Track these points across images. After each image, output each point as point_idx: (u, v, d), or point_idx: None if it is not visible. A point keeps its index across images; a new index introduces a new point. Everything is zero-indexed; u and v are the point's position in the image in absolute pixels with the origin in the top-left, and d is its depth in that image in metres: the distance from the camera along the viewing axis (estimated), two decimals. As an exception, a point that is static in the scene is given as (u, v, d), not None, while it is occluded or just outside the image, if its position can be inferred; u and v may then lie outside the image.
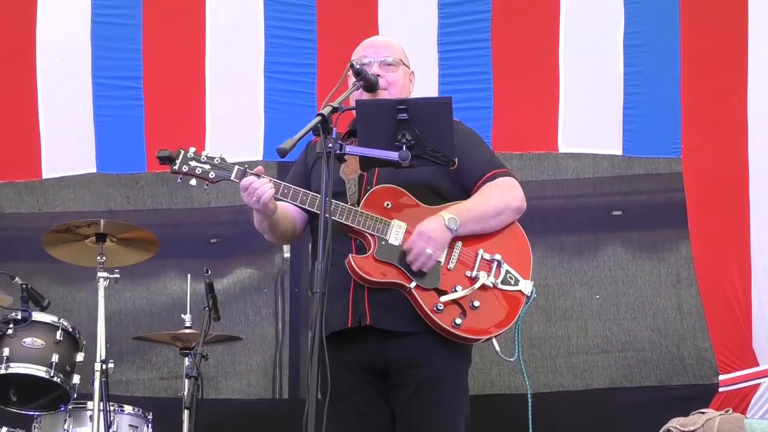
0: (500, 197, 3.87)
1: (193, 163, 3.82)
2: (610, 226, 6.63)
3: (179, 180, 3.85)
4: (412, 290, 3.74)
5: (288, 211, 3.94)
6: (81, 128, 5.98)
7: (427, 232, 3.75)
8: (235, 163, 3.82)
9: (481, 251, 3.82)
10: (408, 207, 3.82)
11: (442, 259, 3.78)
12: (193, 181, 3.83)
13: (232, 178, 3.79)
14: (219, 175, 3.81)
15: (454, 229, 3.77)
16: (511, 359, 3.87)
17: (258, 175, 3.75)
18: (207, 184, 3.84)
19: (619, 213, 6.62)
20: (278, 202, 3.83)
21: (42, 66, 6.02)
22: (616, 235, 6.59)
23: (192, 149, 3.83)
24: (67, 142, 6.03)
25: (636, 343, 6.39)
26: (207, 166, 3.82)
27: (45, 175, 6.06)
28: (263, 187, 3.72)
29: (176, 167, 3.82)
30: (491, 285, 3.80)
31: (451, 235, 3.77)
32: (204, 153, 3.84)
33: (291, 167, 4.13)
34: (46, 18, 6.04)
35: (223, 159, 3.83)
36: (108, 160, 6.02)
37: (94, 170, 6.05)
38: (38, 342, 5.08)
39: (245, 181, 3.74)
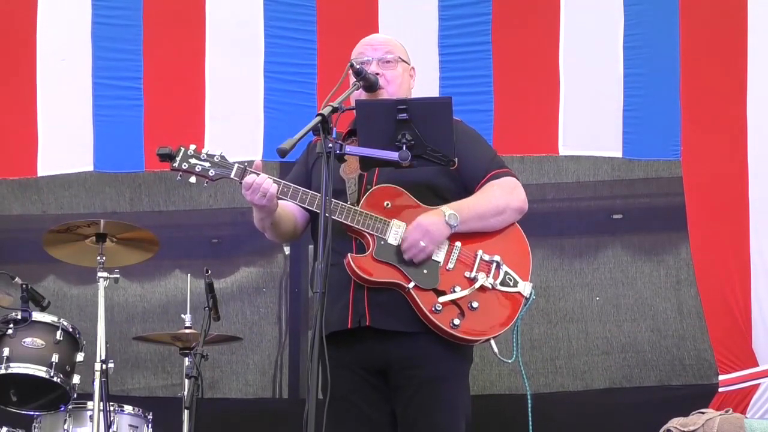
0: (502, 196, 3.86)
1: (193, 161, 3.80)
2: (611, 229, 6.65)
3: (179, 177, 3.83)
4: (411, 290, 3.73)
5: (289, 209, 3.94)
6: (79, 128, 5.96)
7: (425, 225, 3.74)
8: (234, 163, 3.80)
9: (480, 252, 3.81)
10: (408, 207, 3.80)
11: (441, 260, 3.77)
12: (192, 179, 3.81)
13: (232, 176, 3.77)
14: (219, 173, 3.78)
15: (454, 225, 3.76)
16: (509, 361, 3.85)
17: (258, 173, 3.74)
18: (206, 182, 3.82)
19: (620, 216, 6.63)
20: (280, 201, 3.83)
21: (42, 66, 6.01)
22: (617, 238, 6.60)
23: (192, 146, 3.81)
24: (64, 140, 6.01)
25: (636, 344, 6.41)
26: (207, 164, 3.79)
27: (40, 173, 6.04)
28: (267, 181, 3.72)
29: (176, 165, 3.80)
30: (490, 286, 3.78)
31: (450, 230, 3.76)
32: (204, 151, 3.81)
33: (293, 167, 4.12)
34: (47, 18, 6.04)
35: (223, 157, 3.80)
36: (105, 159, 5.99)
37: (91, 168, 6.03)
38: (38, 342, 5.08)
39: (248, 178, 3.72)
